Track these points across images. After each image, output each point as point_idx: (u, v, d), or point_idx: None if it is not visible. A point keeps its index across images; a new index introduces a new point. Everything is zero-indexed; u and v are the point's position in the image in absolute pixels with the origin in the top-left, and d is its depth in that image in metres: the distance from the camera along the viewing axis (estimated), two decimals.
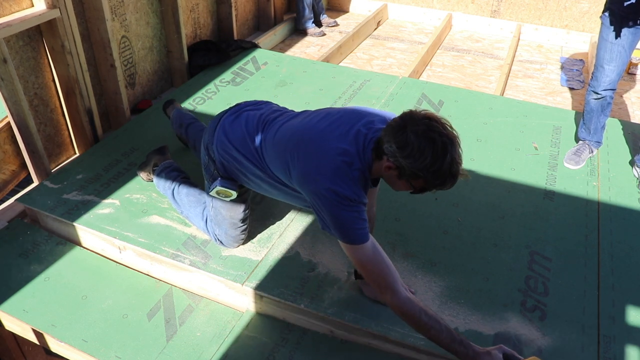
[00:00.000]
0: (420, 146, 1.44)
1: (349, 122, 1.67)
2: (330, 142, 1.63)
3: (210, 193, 2.03)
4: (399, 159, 1.48)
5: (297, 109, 2.02)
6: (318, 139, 1.66)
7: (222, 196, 2.01)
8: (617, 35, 2.57)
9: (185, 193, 2.31)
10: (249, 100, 2.11)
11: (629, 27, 2.55)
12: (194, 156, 2.76)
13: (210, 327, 2.05)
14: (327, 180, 1.57)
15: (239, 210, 2.10)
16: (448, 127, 1.49)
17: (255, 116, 1.92)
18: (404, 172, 1.50)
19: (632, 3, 2.45)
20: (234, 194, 2.00)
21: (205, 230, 2.24)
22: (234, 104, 2.07)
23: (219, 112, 2.08)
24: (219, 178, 1.99)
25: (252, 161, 1.87)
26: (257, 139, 1.85)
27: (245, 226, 2.18)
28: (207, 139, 2.03)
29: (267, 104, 2.04)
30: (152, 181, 2.58)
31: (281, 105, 2.08)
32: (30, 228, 2.48)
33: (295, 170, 1.68)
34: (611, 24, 2.58)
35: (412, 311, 1.58)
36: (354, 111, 1.74)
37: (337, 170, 1.58)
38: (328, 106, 3.26)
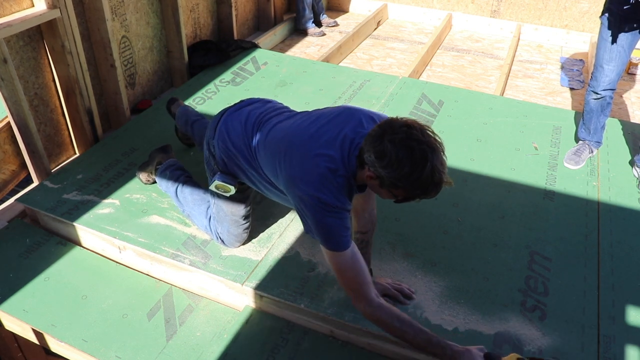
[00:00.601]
0: (398, 155, 1.41)
1: (338, 126, 1.66)
2: (316, 148, 1.62)
3: (210, 187, 2.04)
4: (378, 168, 1.46)
5: (297, 109, 2.02)
6: (305, 143, 1.66)
7: (221, 191, 2.02)
8: (617, 36, 2.57)
9: (189, 191, 2.32)
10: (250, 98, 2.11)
11: (629, 27, 2.54)
12: (195, 157, 2.76)
13: (210, 327, 2.05)
14: (311, 186, 1.58)
15: (240, 207, 2.10)
16: (429, 134, 1.44)
17: (254, 114, 1.92)
18: (384, 181, 1.48)
19: (631, 5, 2.45)
20: (233, 189, 2.00)
21: (208, 228, 2.25)
22: (238, 101, 2.07)
23: (221, 109, 2.09)
24: (218, 172, 2.00)
25: (248, 160, 1.89)
26: (253, 138, 1.86)
27: (248, 224, 2.18)
28: (209, 135, 2.04)
29: (270, 102, 2.04)
30: (152, 183, 2.58)
31: None
32: (30, 228, 2.48)
33: (282, 173, 1.69)
34: (610, 25, 2.58)
35: (384, 317, 1.61)
36: (346, 113, 1.72)
37: (321, 177, 1.58)
38: (328, 106, 3.27)
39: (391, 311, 1.62)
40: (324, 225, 1.59)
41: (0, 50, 2.33)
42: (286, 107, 2.02)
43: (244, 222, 2.16)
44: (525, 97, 4.00)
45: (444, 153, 1.45)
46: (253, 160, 1.87)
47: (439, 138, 1.46)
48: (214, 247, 2.24)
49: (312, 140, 1.65)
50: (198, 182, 2.39)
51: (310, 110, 1.92)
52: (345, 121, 1.67)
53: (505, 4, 5.12)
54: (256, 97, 2.12)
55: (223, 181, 1.98)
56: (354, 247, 1.65)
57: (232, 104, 2.08)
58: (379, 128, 1.48)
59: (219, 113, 2.06)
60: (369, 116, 1.69)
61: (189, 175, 2.42)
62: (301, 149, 1.65)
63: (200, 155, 2.73)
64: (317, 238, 1.63)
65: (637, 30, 2.56)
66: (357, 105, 1.81)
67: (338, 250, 1.61)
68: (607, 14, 2.61)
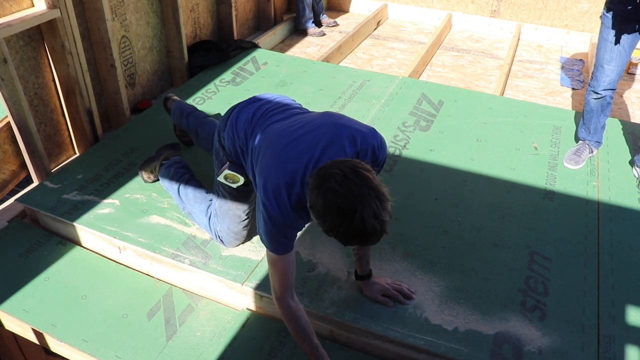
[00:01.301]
0: (324, 208, 1.40)
1: (314, 140, 1.65)
2: (286, 159, 1.64)
3: (218, 178, 2.05)
4: (313, 217, 1.47)
5: None
6: (279, 151, 1.67)
7: (229, 181, 2.02)
8: (617, 36, 2.57)
9: (192, 189, 2.33)
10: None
11: (629, 28, 2.54)
12: (195, 156, 2.77)
13: (210, 327, 2.05)
14: (265, 196, 1.62)
15: (244, 201, 2.12)
16: (363, 182, 1.38)
17: (262, 110, 1.93)
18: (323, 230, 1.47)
19: (632, 6, 2.45)
20: (242, 180, 2.01)
21: (207, 227, 2.25)
22: (251, 96, 2.08)
23: (235, 103, 2.09)
24: (228, 163, 2.02)
25: (247, 154, 1.90)
26: (253, 134, 1.88)
27: (248, 221, 2.18)
28: (220, 126, 2.06)
29: (279, 97, 2.04)
30: (153, 181, 2.58)
31: None
32: (30, 228, 2.48)
33: (256, 172, 1.75)
34: (612, 25, 2.58)
35: (285, 315, 1.73)
36: (326, 127, 1.70)
37: (276, 189, 1.60)
38: (328, 106, 3.28)
39: (293, 314, 1.72)
40: (267, 231, 1.67)
41: (0, 50, 2.33)
42: (293, 104, 2.01)
43: (245, 218, 2.16)
44: (525, 97, 4.00)
45: (380, 200, 1.38)
46: (249, 155, 1.88)
47: (376, 184, 1.40)
48: (214, 247, 2.24)
49: (286, 149, 1.67)
50: (201, 182, 2.40)
51: (308, 112, 1.94)
52: (321, 136, 1.66)
53: (505, 4, 5.12)
54: (269, 93, 2.12)
55: (232, 170, 1.99)
56: (291, 255, 1.71)
57: (245, 99, 2.08)
58: (313, 178, 1.46)
59: (232, 107, 2.07)
60: (350, 135, 1.67)
61: (193, 174, 2.43)
62: (273, 156, 1.68)
63: (200, 155, 2.74)
64: (262, 237, 1.71)
65: (638, 31, 2.56)
66: (341, 116, 1.80)
67: (274, 253, 1.69)
68: (607, 14, 2.61)
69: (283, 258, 1.69)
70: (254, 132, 1.87)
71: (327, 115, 1.81)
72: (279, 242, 1.68)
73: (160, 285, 2.24)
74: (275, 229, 1.65)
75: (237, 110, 2.00)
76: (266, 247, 1.71)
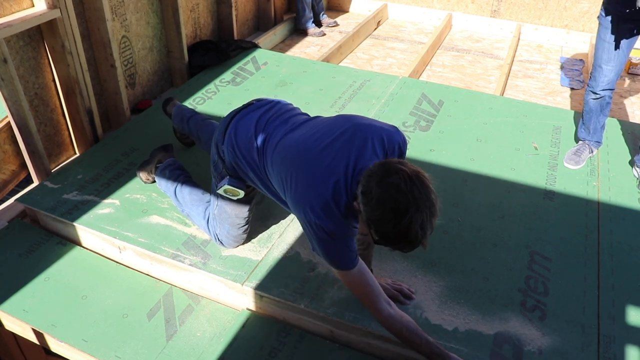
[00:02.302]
0: (379, 199, 1.39)
1: (343, 148, 1.63)
2: (320, 175, 1.61)
3: (218, 191, 2.02)
4: (360, 203, 1.46)
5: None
6: (310, 168, 1.64)
7: (229, 195, 2.01)
8: (615, 36, 2.56)
9: (188, 191, 2.32)
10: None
11: (627, 28, 2.54)
12: (195, 157, 2.77)
13: (210, 327, 2.05)
14: (315, 215, 1.59)
15: (244, 209, 2.10)
16: (424, 192, 1.38)
17: (262, 122, 1.89)
18: (363, 217, 1.47)
19: (627, 9, 2.45)
20: (242, 194, 2.00)
21: (206, 229, 2.25)
22: (248, 102, 2.04)
23: (231, 111, 2.05)
24: (228, 177, 1.99)
25: (257, 172, 1.88)
26: (261, 154, 1.84)
27: (247, 226, 2.18)
28: (218, 138, 2.01)
29: (278, 103, 1.99)
30: (152, 182, 2.58)
31: None
32: (30, 228, 2.48)
33: (289, 195, 1.71)
34: (609, 26, 2.58)
35: (392, 328, 1.72)
36: (351, 131, 1.67)
37: (324, 206, 1.58)
38: (328, 106, 3.27)
39: (400, 322, 1.71)
40: (326, 250, 1.65)
41: (1, 50, 2.33)
42: (294, 109, 1.98)
43: (245, 224, 2.16)
44: (525, 97, 4.00)
45: (431, 213, 1.39)
46: (261, 173, 1.86)
47: (434, 197, 1.40)
48: (214, 247, 2.24)
49: (316, 163, 1.63)
50: (197, 182, 2.39)
51: (315, 117, 1.90)
52: (350, 141, 1.64)
53: (505, 4, 5.12)
54: (264, 97, 2.08)
55: (233, 185, 1.97)
56: (360, 264, 1.69)
57: (242, 105, 2.03)
58: (377, 166, 1.46)
59: (228, 115, 2.02)
60: (379, 136, 1.66)
61: (188, 175, 2.42)
62: (306, 174, 1.64)
63: (199, 156, 2.74)
64: (323, 258, 1.70)
65: (635, 31, 2.56)
66: (360, 118, 1.77)
67: (344, 269, 1.68)
68: (604, 15, 2.60)
69: (356, 271, 1.68)
70: (261, 153, 1.83)
71: (346, 119, 1.75)
72: (345, 256, 1.66)
73: (160, 285, 2.24)
74: (337, 243, 1.63)
75: (234, 123, 1.95)
76: (336, 268, 1.69)
